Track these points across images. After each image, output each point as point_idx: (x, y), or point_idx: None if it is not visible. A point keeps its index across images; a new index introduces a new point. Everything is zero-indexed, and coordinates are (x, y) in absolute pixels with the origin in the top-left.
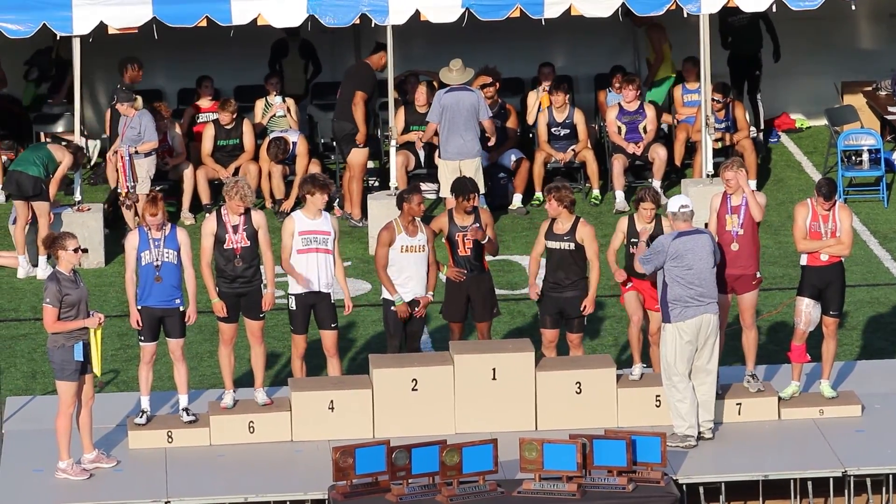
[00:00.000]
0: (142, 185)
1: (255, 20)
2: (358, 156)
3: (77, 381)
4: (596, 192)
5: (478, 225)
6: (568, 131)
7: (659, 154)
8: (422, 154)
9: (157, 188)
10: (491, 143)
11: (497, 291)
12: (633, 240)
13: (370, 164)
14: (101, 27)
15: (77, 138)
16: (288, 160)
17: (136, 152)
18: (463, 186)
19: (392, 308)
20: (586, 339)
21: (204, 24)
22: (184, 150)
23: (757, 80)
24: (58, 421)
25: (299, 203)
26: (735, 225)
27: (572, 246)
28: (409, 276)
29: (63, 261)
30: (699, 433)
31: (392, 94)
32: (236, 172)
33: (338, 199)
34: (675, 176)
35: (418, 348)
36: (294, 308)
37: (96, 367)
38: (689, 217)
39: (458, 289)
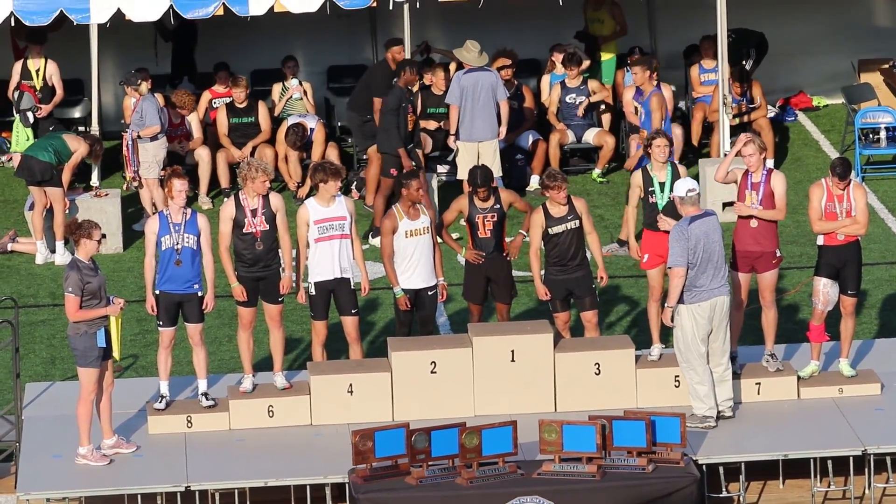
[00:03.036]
0: (149, 169)
1: (272, 8)
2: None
3: (99, 367)
4: (598, 171)
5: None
6: (583, 98)
7: (676, 134)
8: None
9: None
10: (502, 129)
11: (515, 273)
12: (650, 189)
13: None
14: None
15: (94, 126)
16: (305, 149)
17: (140, 137)
18: (472, 178)
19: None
20: (603, 320)
21: (221, 12)
22: (200, 134)
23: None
24: (79, 407)
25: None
26: (754, 201)
27: (577, 223)
28: (416, 259)
29: (85, 249)
30: (720, 412)
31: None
32: (252, 155)
33: (355, 183)
34: (692, 156)
35: (432, 332)
36: (314, 294)
37: (116, 352)
38: (697, 200)
39: (477, 270)
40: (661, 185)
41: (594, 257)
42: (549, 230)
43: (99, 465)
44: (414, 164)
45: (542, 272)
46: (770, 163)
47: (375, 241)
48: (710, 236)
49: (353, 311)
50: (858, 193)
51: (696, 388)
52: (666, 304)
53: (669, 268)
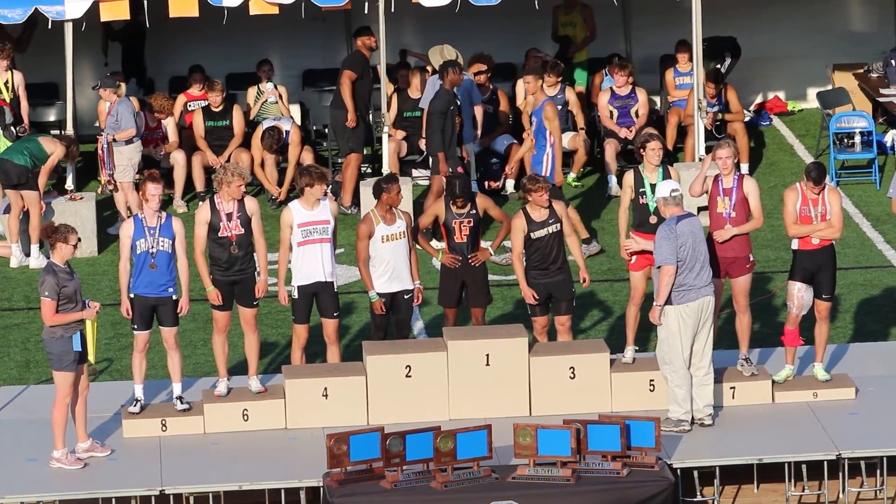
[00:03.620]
0: (124, 172)
1: (247, 4)
2: (355, 155)
3: (75, 371)
4: (573, 175)
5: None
6: (559, 108)
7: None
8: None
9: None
10: (476, 133)
11: (491, 277)
12: (640, 190)
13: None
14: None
15: (69, 128)
16: (281, 152)
17: (115, 140)
18: (450, 188)
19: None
20: (578, 324)
21: (196, 13)
22: (176, 137)
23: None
24: (54, 410)
25: (291, 191)
26: (727, 207)
27: (558, 227)
28: (392, 264)
29: (60, 253)
30: (699, 420)
31: (385, 82)
32: (228, 160)
33: (330, 187)
34: (667, 160)
35: (408, 336)
36: (296, 297)
37: (91, 355)
38: (681, 201)
39: (453, 275)
40: (653, 186)
41: (576, 259)
42: (531, 235)
43: (73, 469)
44: (451, 167)
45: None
46: (745, 167)
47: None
48: (697, 235)
49: (334, 314)
50: (833, 198)
51: (674, 391)
52: (655, 303)
53: (658, 266)
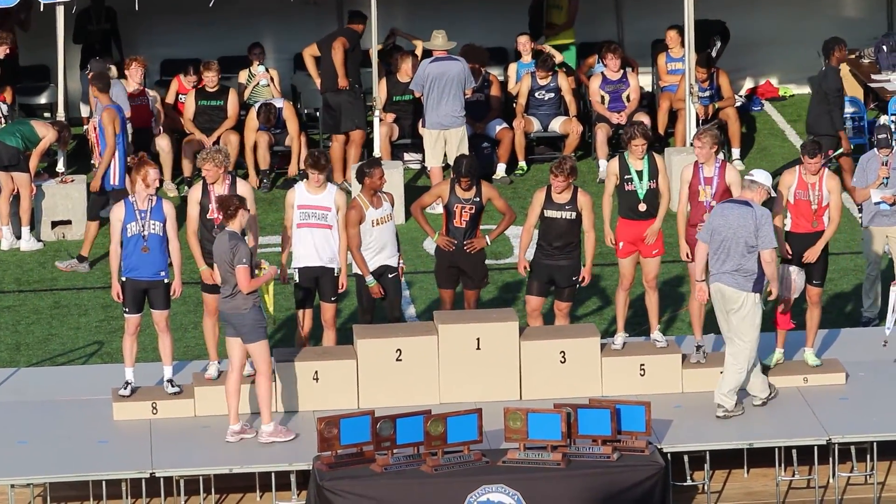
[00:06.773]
0: None
1: None
2: (361, 132)
3: (267, 337)
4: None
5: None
6: (552, 95)
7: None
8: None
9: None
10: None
11: (487, 261)
12: (626, 176)
13: None
14: None
15: (60, 112)
16: (276, 128)
17: None
18: (457, 166)
19: (366, 286)
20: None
21: None
22: (161, 109)
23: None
24: (262, 383)
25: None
26: (708, 196)
27: (573, 215)
28: (382, 245)
29: (240, 220)
30: (718, 405)
31: (375, 63)
32: (217, 142)
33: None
34: (658, 144)
35: (399, 318)
36: (297, 281)
37: (272, 308)
38: (753, 188)
39: (447, 257)
40: (639, 173)
41: (584, 255)
42: (544, 212)
43: (285, 440)
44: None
45: (533, 254)
46: (736, 152)
47: None
48: (730, 223)
49: (332, 299)
50: (832, 185)
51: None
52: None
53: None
